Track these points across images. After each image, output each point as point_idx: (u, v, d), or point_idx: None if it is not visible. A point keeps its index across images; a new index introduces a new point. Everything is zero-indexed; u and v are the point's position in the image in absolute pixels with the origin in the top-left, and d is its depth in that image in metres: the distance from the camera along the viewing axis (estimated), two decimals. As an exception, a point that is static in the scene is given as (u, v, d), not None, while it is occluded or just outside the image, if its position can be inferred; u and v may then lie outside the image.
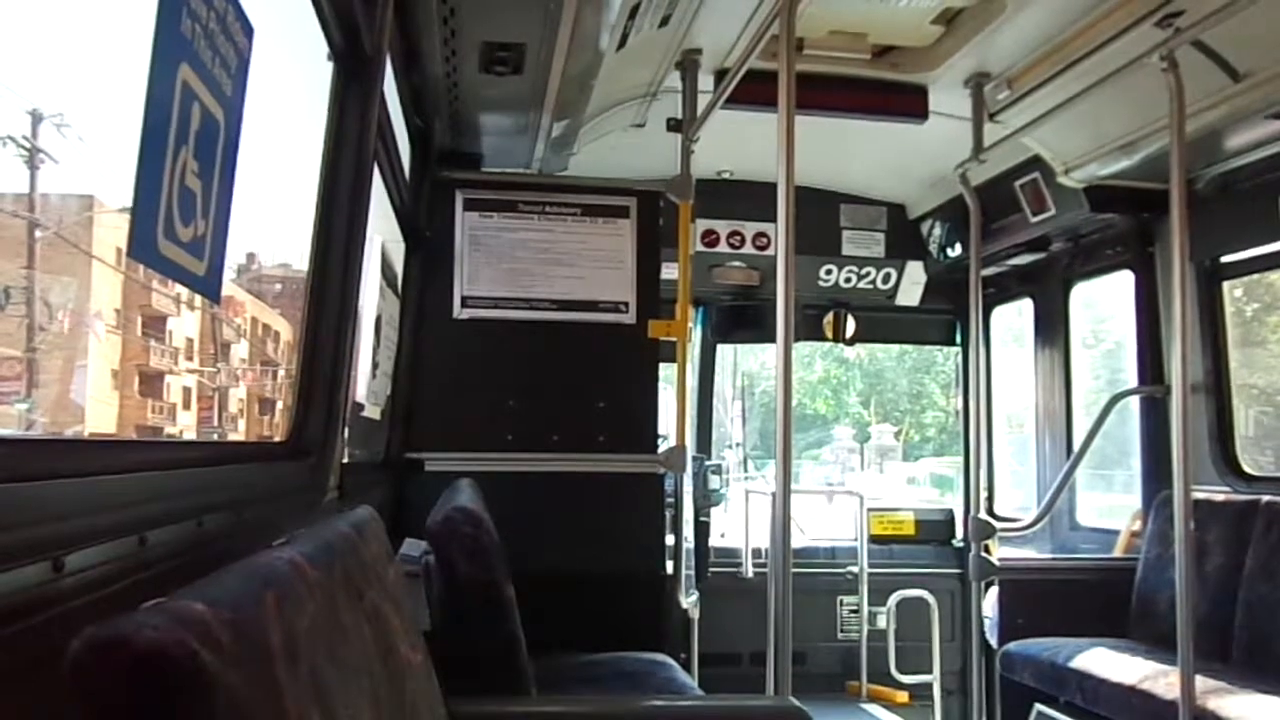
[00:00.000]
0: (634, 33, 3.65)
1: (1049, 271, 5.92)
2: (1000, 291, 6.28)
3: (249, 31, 1.69)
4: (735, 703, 3.23)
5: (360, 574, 1.52)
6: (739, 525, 5.98)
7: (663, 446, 4.41)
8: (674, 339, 4.34)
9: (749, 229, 5.79)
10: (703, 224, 5.69)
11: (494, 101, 3.86)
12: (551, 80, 3.59)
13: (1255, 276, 5.27)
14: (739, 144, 4.60)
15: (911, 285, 6.15)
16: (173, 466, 1.58)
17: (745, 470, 8.76)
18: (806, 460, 20.75)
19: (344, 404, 2.41)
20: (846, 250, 6.00)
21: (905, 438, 23.52)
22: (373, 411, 3.69)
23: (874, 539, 6.18)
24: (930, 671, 5.80)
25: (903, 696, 5.82)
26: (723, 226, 5.77)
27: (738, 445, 8.78)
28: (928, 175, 5.48)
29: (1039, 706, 4.71)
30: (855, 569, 6.01)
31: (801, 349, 14.96)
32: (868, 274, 6.08)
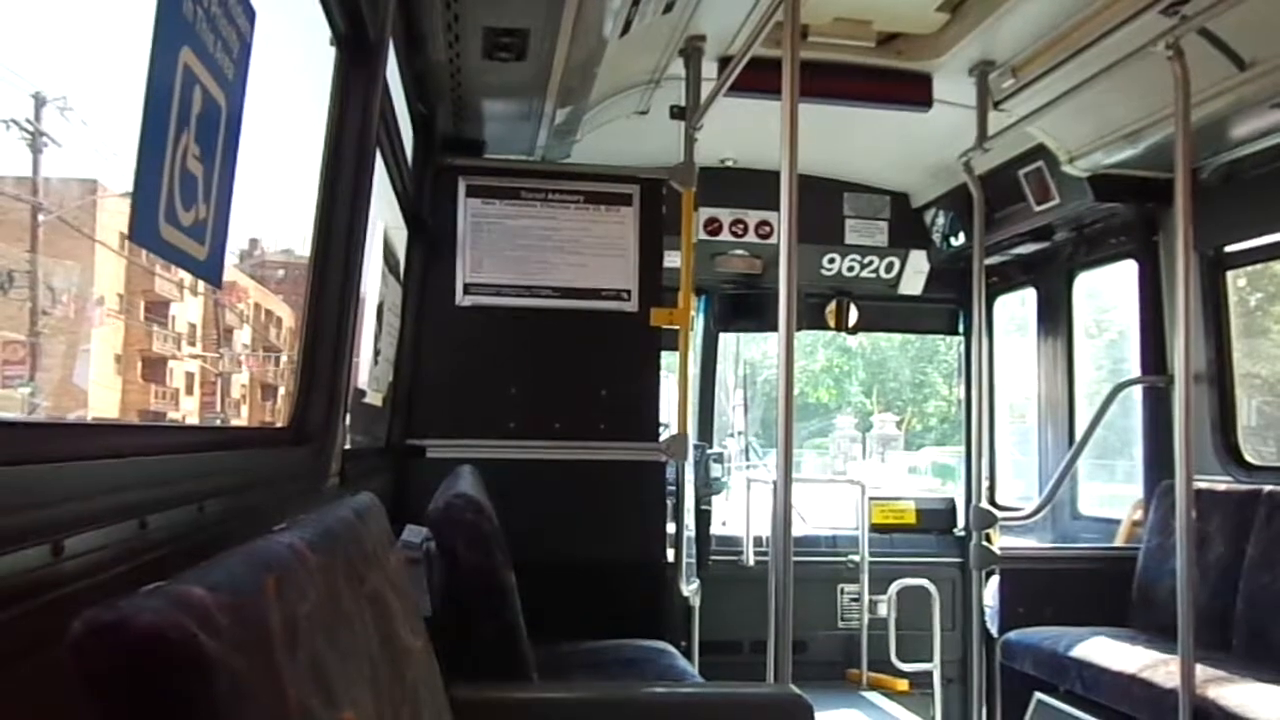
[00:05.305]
0: (637, 19, 3.63)
1: (1052, 261, 5.91)
2: (1003, 281, 6.27)
3: (251, 15, 1.69)
4: (736, 690, 3.23)
5: (361, 559, 1.53)
6: (740, 514, 5.98)
7: (664, 434, 4.41)
8: (676, 327, 4.34)
9: (752, 217, 5.78)
10: (705, 212, 5.68)
11: (497, 88, 3.85)
12: (555, 67, 3.58)
13: (1259, 266, 5.26)
14: (742, 132, 4.58)
15: (915, 274, 6.14)
16: (174, 451, 1.58)
17: (747, 459, 8.77)
18: (808, 449, 20.77)
19: (346, 390, 2.41)
20: (849, 239, 5.99)
21: (907, 427, 23.52)
22: (374, 398, 3.69)
23: (875, 528, 6.18)
24: (931, 660, 5.80)
25: (903, 685, 5.83)
26: (725, 214, 5.76)
27: (739, 434, 8.79)
28: (931, 164, 5.46)
29: (1039, 695, 4.71)
30: (856, 557, 6.01)
31: (804, 338, 14.94)
32: (871, 263, 6.07)
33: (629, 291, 4.31)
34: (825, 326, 6.38)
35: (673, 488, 4.72)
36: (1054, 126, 4.67)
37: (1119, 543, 5.39)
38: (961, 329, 6.52)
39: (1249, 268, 5.15)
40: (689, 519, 4.97)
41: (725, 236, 5.79)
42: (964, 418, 6.51)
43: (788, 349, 2.95)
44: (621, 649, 3.76)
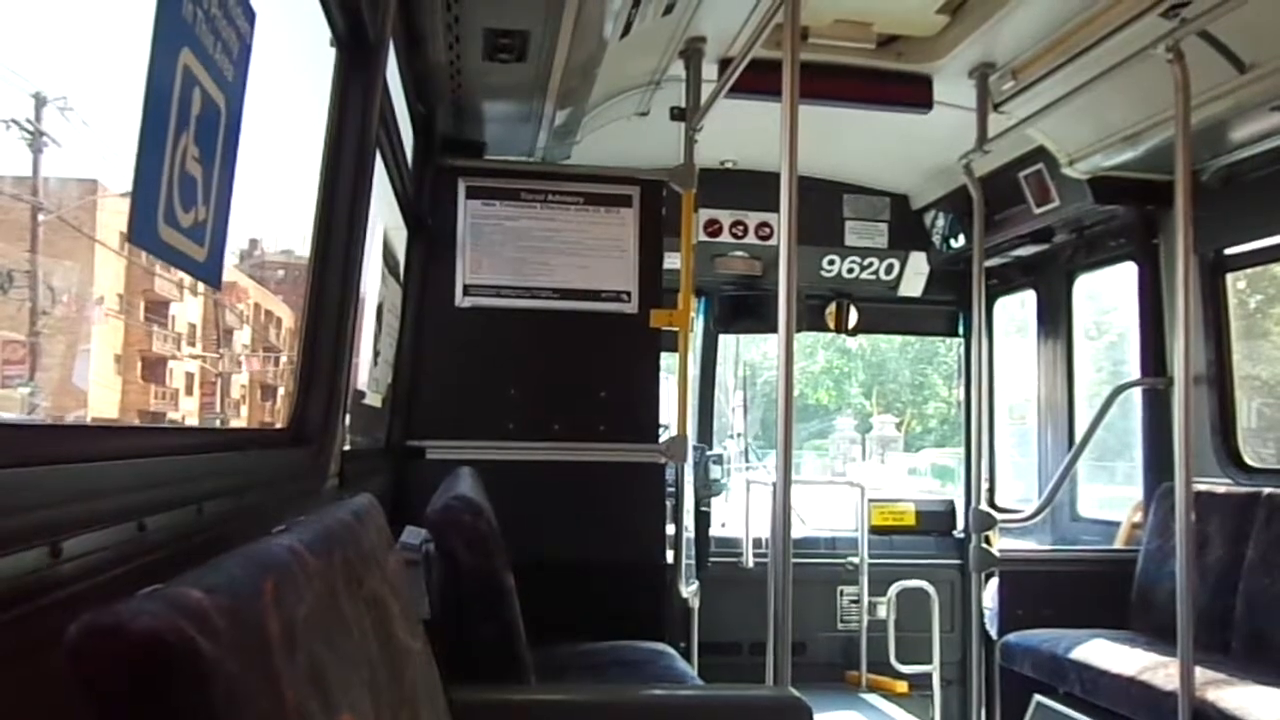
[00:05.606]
0: (638, 20, 3.63)
1: (1052, 263, 5.91)
2: (1003, 283, 6.27)
3: (251, 16, 1.68)
4: (735, 692, 3.23)
5: (360, 561, 1.52)
6: (740, 515, 5.97)
7: (664, 436, 4.40)
8: (676, 329, 4.34)
9: (752, 219, 5.78)
10: (705, 213, 5.69)
11: (497, 89, 3.85)
12: (555, 68, 3.58)
13: (1259, 268, 5.26)
14: (742, 133, 4.58)
15: (914, 276, 6.15)
16: (173, 453, 1.57)
17: (746, 460, 8.76)
18: (808, 451, 20.76)
19: (345, 391, 2.41)
20: (849, 241, 6.00)
21: (907, 428, 23.51)
22: (374, 399, 3.69)
23: (874, 529, 6.18)
24: (930, 662, 5.80)
25: (902, 687, 5.82)
26: (725, 216, 5.76)
27: (739, 435, 8.78)
28: (931, 166, 5.47)
29: (1038, 697, 4.71)
30: (856, 559, 6.00)
31: (803, 339, 14.95)
32: (870, 264, 6.07)
33: (629, 293, 4.31)
34: (825, 328, 6.38)
35: (672, 489, 4.72)
36: (1054, 129, 4.67)
37: (1118, 545, 5.38)
38: (961, 331, 6.52)
39: (1249, 270, 5.15)
40: (688, 520, 4.97)
41: (725, 238, 5.79)
42: (963, 419, 6.51)
43: (787, 350, 2.95)
44: (621, 651, 3.76)
